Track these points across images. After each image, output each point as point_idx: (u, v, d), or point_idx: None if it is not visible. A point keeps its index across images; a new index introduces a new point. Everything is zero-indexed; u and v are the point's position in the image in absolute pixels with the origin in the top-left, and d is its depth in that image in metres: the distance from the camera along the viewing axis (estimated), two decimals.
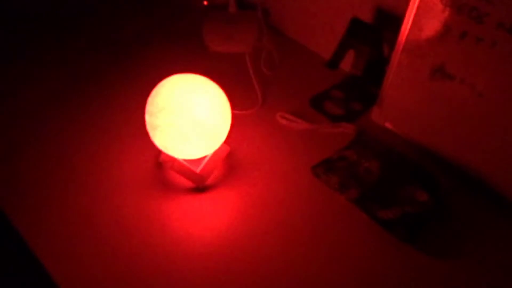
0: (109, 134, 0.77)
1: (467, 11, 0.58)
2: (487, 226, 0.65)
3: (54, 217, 0.64)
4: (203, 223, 0.65)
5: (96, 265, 0.59)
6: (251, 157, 0.73)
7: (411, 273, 0.59)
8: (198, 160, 0.69)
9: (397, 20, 0.70)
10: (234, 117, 0.70)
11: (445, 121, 0.68)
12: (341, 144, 0.74)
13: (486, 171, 0.67)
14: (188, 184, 0.69)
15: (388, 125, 0.78)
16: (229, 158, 0.73)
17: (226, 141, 0.70)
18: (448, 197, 0.67)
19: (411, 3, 0.64)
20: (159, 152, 0.70)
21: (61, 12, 1.06)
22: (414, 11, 0.64)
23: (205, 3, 1.04)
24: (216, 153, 0.71)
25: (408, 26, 0.66)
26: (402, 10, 0.68)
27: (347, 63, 0.81)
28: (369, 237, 0.63)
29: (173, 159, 0.67)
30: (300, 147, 0.75)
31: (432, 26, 0.63)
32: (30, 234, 0.62)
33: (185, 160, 0.69)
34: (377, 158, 0.70)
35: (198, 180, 0.68)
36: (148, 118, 0.65)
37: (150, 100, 0.64)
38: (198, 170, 0.68)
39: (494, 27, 0.56)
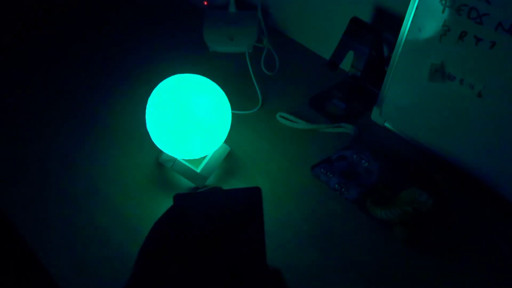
0: (110, 134, 0.77)
1: (467, 11, 0.58)
2: (487, 226, 0.65)
3: (54, 216, 0.65)
4: None
5: (96, 264, 0.59)
6: (251, 157, 0.73)
7: (411, 273, 0.59)
8: (198, 160, 0.69)
9: (397, 20, 0.70)
10: (234, 117, 0.71)
11: (445, 121, 0.69)
12: (341, 144, 0.74)
13: (486, 171, 0.67)
14: (188, 184, 0.69)
15: (388, 125, 0.78)
16: (229, 158, 0.73)
17: (226, 141, 0.70)
18: (447, 197, 0.67)
19: (411, 3, 0.64)
20: (159, 152, 0.70)
21: (63, 11, 1.06)
22: (413, 11, 0.64)
23: (205, 3, 1.05)
24: (216, 153, 0.71)
25: (408, 26, 0.66)
26: (401, 10, 0.68)
27: (347, 63, 0.81)
28: (369, 237, 0.63)
29: (173, 159, 0.67)
30: (300, 147, 0.75)
31: (432, 27, 0.63)
32: (30, 234, 0.62)
33: (185, 160, 0.69)
34: (377, 158, 0.70)
35: (198, 180, 0.68)
36: (148, 118, 0.65)
37: (151, 100, 0.64)
38: (198, 170, 0.68)
39: (493, 28, 0.56)
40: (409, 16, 0.65)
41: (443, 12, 0.61)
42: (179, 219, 0.36)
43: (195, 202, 0.37)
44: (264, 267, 0.34)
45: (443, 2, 0.60)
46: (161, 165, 0.71)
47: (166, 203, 0.66)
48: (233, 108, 0.70)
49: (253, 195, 0.36)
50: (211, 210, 0.36)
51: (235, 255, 0.34)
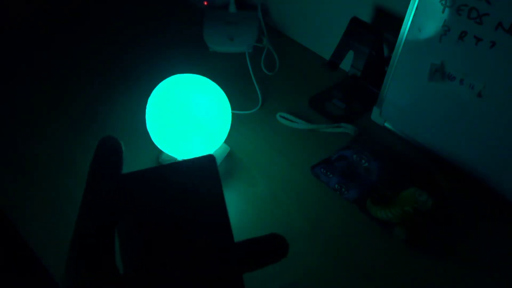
0: (110, 134, 0.77)
1: (467, 11, 0.58)
2: (487, 226, 0.65)
3: (54, 217, 0.65)
4: None
5: None
6: (251, 157, 0.73)
7: (411, 273, 0.59)
8: None
9: (397, 20, 0.70)
10: (234, 117, 0.71)
11: (445, 121, 0.69)
12: (341, 144, 0.74)
13: (486, 171, 0.67)
14: None
15: (388, 125, 0.78)
16: (229, 158, 0.73)
17: (226, 141, 0.70)
18: (447, 197, 0.67)
19: (411, 3, 0.64)
20: (159, 152, 0.70)
21: (63, 11, 1.06)
22: (413, 11, 0.64)
23: (205, 3, 1.05)
24: (216, 153, 0.71)
25: (408, 26, 0.66)
26: (401, 10, 0.68)
27: (347, 63, 0.81)
28: (369, 237, 0.63)
29: (173, 159, 0.67)
30: (300, 147, 0.75)
31: (432, 27, 0.63)
32: (30, 234, 0.62)
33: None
34: (376, 158, 0.70)
35: None
36: (148, 118, 0.65)
37: (151, 100, 0.64)
38: None
39: (493, 28, 0.56)
40: (409, 16, 0.65)
41: (443, 12, 0.61)
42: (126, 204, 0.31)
43: (142, 183, 0.31)
44: (231, 244, 0.30)
45: (443, 2, 0.60)
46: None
47: None
48: (233, 108, 0.70)
49: (207, 164, 0.31)
50: (162, 189, 0.31)
51: (197, 236, 0.29)
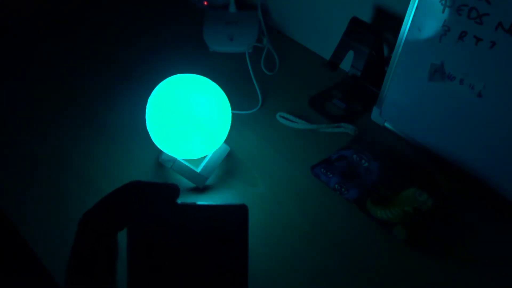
0: (110, 134, 0.77)
1: (467, 11, 0.58)
2: (487, 226, 0.65)
3: (54, 217, 0.65)
4: None
5: None
6: (251, 157, 0.73)
7: (410, 273, 0.59)
8: (198, 160, 0.69)
9: (397, 20, 0.70)
10: (234, 117, 0.71)
11: (445, 121, 0.69)
12: (341, 144, 0.74)
13: (486, 171, 0.67)
14: (188, 184, 0.69)
15: (388, 125, 0.78)
16: (229, 158, 0.73)
17: (226, 141, 0.70)
18: (447, 197, 0.67)
19: (411, 3, 0.64)
20: (159, 152, 0.70)
21: (63, 11, 1.06)
22: (413, 11, 0.64)
23: (205, 3, 1.05)
24: (216, 153, 0.71)
25: (408, 26, 0.66)
26: (401, 10, 0.68)
27: (347, 63, 0.81)
28: (369, 237, 0.63)
29: (173, 159, 0.67)
30: (300, 147, 0.75)
31: (432, 27, 0.63)
32: (30, 234, 0.62)
33: (185, 160, 0.69)
34: (377, 158, 0.70)
35: (198, 180, 0.68)
36: (148, 118, 0.65)
37: (151, 100, 0.64)
38: (198, 170, 0.68)
39: (493, 28, 0.56)
40: (409, 16, 0.65)
41: (443, 12, 0.61)
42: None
43: (171, 215, 0.33)
44: None
45: (443, 2, 0.60)
46: (161, 165, 0.71)
47: None
48: (233, 108, 0.70)
49: (239, 212, 0.33)
50: (188, 225, 0.32)
51: (213, 275, 0.31)
